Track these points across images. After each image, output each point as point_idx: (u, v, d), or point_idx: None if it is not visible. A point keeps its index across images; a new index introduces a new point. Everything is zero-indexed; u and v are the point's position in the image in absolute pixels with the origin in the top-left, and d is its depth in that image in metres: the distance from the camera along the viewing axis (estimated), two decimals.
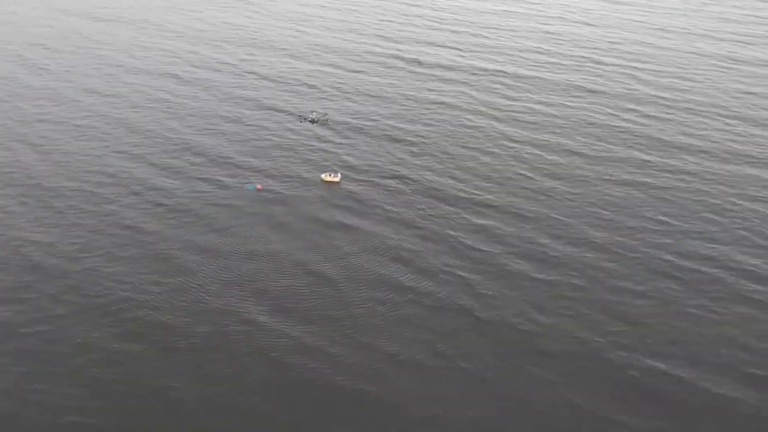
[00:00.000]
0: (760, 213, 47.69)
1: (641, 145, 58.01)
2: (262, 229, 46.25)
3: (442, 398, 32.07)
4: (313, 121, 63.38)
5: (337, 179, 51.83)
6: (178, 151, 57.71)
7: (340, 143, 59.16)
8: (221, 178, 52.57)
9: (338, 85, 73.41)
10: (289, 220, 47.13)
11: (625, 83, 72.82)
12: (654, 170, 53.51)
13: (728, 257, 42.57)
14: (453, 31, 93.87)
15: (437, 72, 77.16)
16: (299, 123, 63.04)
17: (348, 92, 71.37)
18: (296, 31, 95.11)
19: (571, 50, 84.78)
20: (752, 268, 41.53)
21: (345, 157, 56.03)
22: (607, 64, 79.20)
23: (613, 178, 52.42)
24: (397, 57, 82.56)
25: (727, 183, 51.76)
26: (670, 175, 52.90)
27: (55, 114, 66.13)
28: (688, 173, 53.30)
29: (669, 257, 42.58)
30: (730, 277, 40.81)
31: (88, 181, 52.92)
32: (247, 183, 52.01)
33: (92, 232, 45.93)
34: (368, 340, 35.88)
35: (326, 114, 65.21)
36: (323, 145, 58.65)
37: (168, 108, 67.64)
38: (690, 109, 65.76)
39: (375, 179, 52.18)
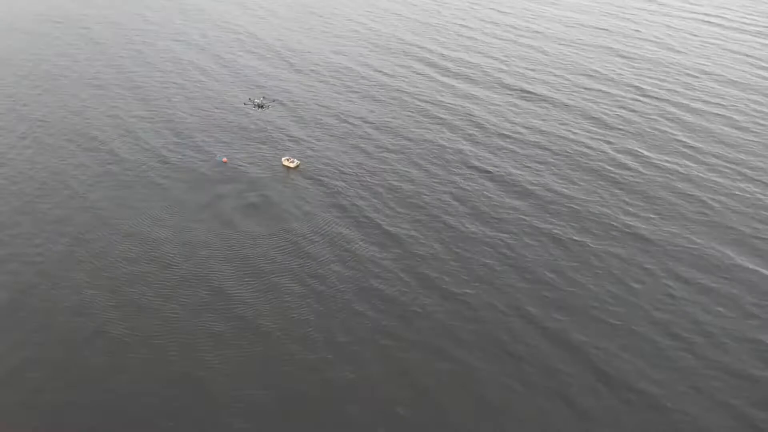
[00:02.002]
0: None
1: None
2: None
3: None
4: (260, 106, 68.04)
5: (293, 164, 56.04)
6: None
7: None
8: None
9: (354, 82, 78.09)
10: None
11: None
12: None
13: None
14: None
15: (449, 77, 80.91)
16: (246, 105, 68.21)
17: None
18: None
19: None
20: None
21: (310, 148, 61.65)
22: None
23: None
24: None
25: None
26: None
27: None
28: None
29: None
30: None
31: None
32: (217, 155, 57.98)
33: None
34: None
35: (274, 100, 69.91)
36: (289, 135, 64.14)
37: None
38: None
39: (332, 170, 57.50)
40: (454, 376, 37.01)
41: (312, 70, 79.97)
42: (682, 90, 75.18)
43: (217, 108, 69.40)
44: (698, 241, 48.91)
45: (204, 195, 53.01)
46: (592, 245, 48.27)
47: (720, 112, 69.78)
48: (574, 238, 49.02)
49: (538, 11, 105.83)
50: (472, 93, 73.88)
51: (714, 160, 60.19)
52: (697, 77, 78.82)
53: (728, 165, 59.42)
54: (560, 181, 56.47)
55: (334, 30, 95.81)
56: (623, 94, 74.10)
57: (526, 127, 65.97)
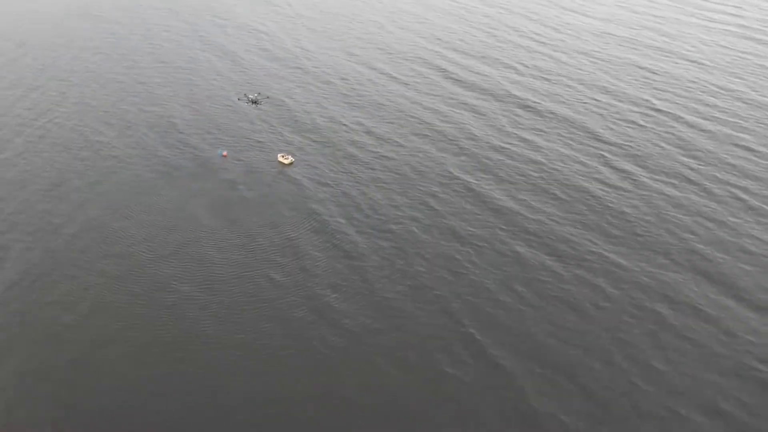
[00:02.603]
0: None
1: None
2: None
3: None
4: (253, 102, 68.20)
5: (288, 161, 56.39)
6: None
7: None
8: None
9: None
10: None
11: None
12: None
13: None
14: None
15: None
16: (240, 100, 68.39)
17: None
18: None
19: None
20: None
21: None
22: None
23: None
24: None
25: None
26: None
27: None
28: None
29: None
30: None
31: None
32: (218, 149, 59.13)
33: None
34: None
35: (268, 96, 69.93)
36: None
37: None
38: None
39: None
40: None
41: (324, 72, 79.07)
42: (699, 108, 70.52)
43: (221, 105, 69.48)
44: (673, 273, 45.56)
45: (205, 184, 54.10)
46: (559, 265, 45.76)
47: (733, 134, 65.09)
48: (547, 261, 46.62)
49: (567, 21, 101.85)
50: (477, 103, 71.56)
51: (710, 184, 56.09)
52: (719, 95, 73.73)
53: (729, 191, 55.21)
54: (541, 198, 53.91)
55: (354, 33, 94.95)
56: (634, 109, 70.21)
57: (522, 140, 63.44)
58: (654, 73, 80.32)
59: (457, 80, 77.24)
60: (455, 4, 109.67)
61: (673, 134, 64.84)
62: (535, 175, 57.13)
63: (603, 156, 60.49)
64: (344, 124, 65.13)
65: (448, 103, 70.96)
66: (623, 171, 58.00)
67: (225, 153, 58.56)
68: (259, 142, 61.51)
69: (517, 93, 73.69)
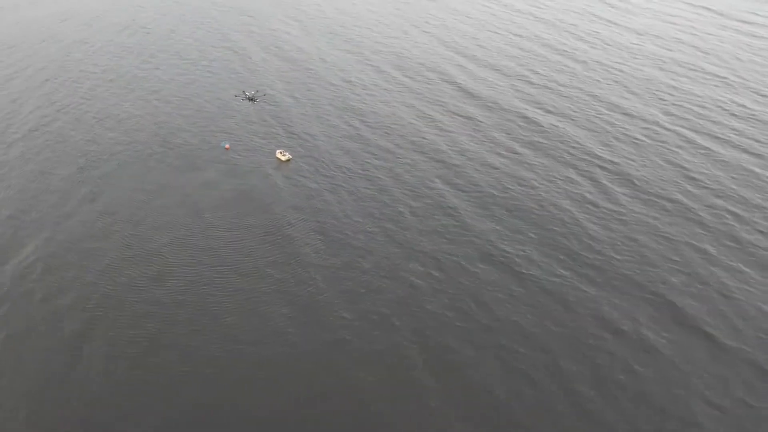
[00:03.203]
0: None
1: None
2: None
3: None
4: (251, 99, 68.60)
5: (285, 158, 56.89)
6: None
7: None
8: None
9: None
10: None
11: None
12: None
13: None
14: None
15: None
16: (238, 98, 68.85)
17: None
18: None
19: None
20: None
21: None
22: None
23: None
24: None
25: None
26: None
27: None
28: None
29: None
30: None
31: None
32: (222, 141, 60.48)
33: None
34: None
35: (264, 94, 70.19)
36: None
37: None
38: None
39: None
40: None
41: (333, 74, 78.85)
42: (716, 132, 65.85)
43: (219, 101, 70.43)
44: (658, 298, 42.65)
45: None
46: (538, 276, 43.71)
47: (745, 157, 60.56)
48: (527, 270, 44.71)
49: (596, 29, 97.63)
50: (485, 111, 69.58)
51: (705, 215, 52.27)
52: (744, 120, 68.66)
53: (725, 223, 51.29)
54: (516, 214, 51.72)
55: (376, 39, 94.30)
56: (641, 125, 66.46)
57: (527, 146, 61.20)
58: (673, 90, 75.88)
59: (466, 91, 75.07)
60: (490, 11, 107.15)
61: (676, 156, 60.92)
62: (518, 189, 54.85)
63: (595, 176, 57.39)
64: (343, 127, 64.58)
65: (451, 110, 69.26)
66: (612, 193, 54.85)
67: (227, 146, 59.14)
68: (256, 137, 61.79)
69: (524, 104, 71.08)
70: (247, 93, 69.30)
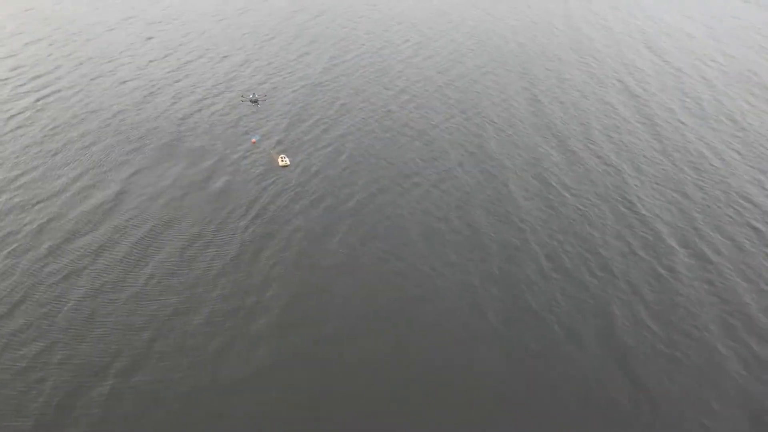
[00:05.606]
0: None
1: None
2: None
3: None
4: (254, 102, 66.51)
5: (283, 163, 55.37)
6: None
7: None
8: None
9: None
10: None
11: None
12: None
13: None
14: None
15: None
16: (241, 100, 66.57)
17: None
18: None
19: None
20: None
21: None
22: None
23: None
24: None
25: None
26: None
27: None
28: None
29: None
30: None
31: None
32: (252, 135, 59.42)
33: None
34: None
35: (266, 96, 68.45)
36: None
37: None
38: None
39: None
40: None
41: (343, 77, 76.00)
42: (746, 167, 59.33)
43: (224, 102, 68.16)
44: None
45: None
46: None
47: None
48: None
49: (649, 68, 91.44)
50: (491, 126, 65.23)
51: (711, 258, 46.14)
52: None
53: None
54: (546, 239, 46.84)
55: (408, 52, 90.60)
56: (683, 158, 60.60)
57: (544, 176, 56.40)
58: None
59: (489, 120, 70.12)
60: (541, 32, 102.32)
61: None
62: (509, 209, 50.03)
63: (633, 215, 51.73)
64: (344, 131, 61.54)
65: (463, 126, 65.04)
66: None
67: (254, 140, 58.33)
68: (258, 139, 59.59)
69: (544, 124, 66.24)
70: (250, 96, 68.19)
